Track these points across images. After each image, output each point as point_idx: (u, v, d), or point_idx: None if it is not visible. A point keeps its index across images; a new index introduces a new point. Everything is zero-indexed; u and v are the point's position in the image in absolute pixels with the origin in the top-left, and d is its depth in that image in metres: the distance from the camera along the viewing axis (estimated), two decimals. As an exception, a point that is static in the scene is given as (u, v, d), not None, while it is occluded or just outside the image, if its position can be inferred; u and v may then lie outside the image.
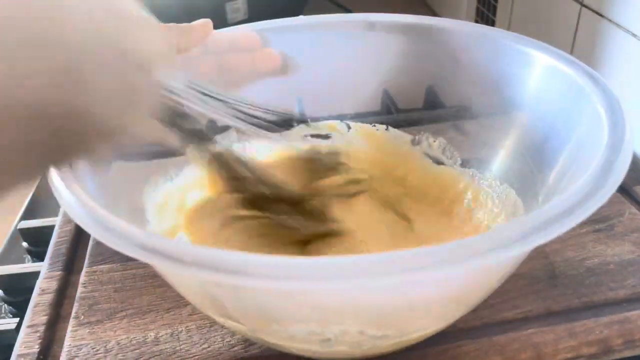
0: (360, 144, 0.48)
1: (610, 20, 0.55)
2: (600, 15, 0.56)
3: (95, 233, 0.25)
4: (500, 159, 0.41)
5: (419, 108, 0.49)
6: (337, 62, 0.46)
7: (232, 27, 0.44)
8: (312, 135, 0.48)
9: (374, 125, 0.47)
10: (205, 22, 0.40)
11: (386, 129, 0.47)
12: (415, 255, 0.22)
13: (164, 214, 0.38)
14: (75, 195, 0.27)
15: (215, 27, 0.42)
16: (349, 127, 0.48)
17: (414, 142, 0.46)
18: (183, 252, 0.23)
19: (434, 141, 0.46)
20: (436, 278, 0.23)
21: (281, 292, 0.26)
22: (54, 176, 0.28)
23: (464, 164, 0.44)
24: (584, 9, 0.59)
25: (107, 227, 0.25)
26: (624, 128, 0.29)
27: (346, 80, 0.46)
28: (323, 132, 0.48)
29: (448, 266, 0.22)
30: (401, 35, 0.44)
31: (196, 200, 0.41)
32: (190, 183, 0.42)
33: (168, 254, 0.23)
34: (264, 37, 0.43)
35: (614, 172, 0.26)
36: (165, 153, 0.40)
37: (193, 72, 0.42)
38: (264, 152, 0.47)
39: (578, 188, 0.25)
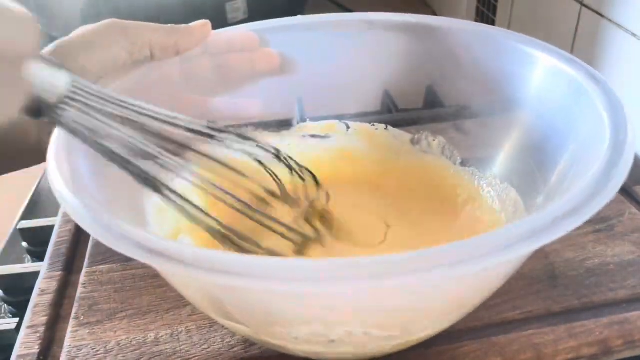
0: (359, 143, 0.48)
1: (610, 20, 0.55)
2: (600, 15, 0.56)
3: (100, 236, 0.24)
4: (501, 159, 0.41)
5: (419, 108, 0.49)
6: (337, 62, 0.46)
7: (231, 27, 0.44)
8: (312, 135, 0.48)
9: (373, 125, 0.47)
10: (204, 23, 0.40)
11: (385, 129, 0.47)
12: (421, 257, 0.22)
13: (164, 215, 0.38)
14: (78, 198, 0.26)
15: (215, 26, 0.42)
16: (348, 127, 0.48)
17: (414, 142, 0.46)
18: (186, 254, 0.23)
19: (434, 140, 0.46)
20: (441, 279, 0.23)
21: (286, 294, 0.26)
22: (55, 177, 0.28)
23: (464, 163, 0.44)
24: (584, 9, 0.59)
25: (110, 229, 0.25)
26: (626, 129, 0.29)
27: (346, 81, 0.46)
28: (322, 133, 0.48)
29: (454, 267, 0.22)
30: (401, 35, 0.44)
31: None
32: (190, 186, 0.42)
33: (171, 256, 0.23)
34: (263, 36, 0.43)
35: (617, 173, 0.26)
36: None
37: (192, 73, 0.42)
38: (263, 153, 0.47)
39: (581, 189, 0.25)
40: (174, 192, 0.32)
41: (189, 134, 0.33)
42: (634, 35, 0.52)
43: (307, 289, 0.23)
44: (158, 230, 0.37)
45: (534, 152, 0.38)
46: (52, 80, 0.29)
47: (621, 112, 0.30)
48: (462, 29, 0.42)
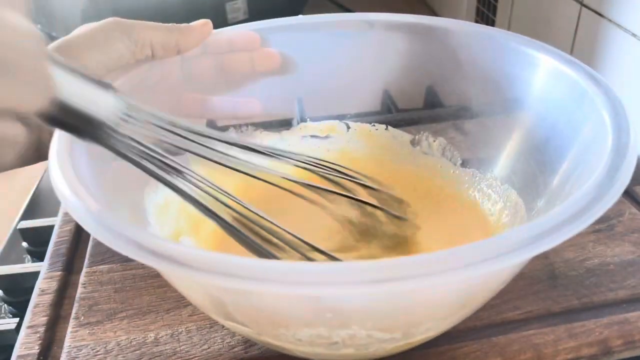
0: (359, 144, 0.48)
1: (610, 20, 0.55)
2: (600, 15, 0.56)
3: (103, 238, 0.24)
4: (501, 160, 0.41)
5: (419, 108, 0.49)
6: (337, 62, 0.46)
7: (232, 27, 0.44)
8: (312, 136, 0.48)
9: (374, 125, 0.47)
10: (205, 23, 0.40)
11: (386, 129, 0.47)
12: (426, 261, 0.22)
13: (165, 216, 0.38)
14: (79, 199, 0.26)
15: (215, 26, 0.42)
16: (348, 127, 0.48)
17: (414, 143, 0.46)
18: (191, 256, 0.23)
19: (434, 141, 0.46)
20: (445, 282, 0.23)
21: (290, 297, 0.25)
22: (57, 177, 0.28)
23: (465, 164, 0.44)
24: (584, 9, 0.59)
25: (114, 231, 0.24)
26: (628, 132, 0.29)
27: (346, 81, 0.46)
28: (323, 133, 0.48)
29: (458, 271, 0.22)
30: (401, 35, 0.44)
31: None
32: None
33: (176, 259, 0.23)
34: (263, 36, 0.43)
35: (620, 177, 0.26)
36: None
37: (193, 72, 0.42)
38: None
39: (584, 193, 0.25)
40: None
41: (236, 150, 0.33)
42: (634, 35, 0.52)
43: (311, 292, 0.23)
44: (159, 231, 0.37)
45: (535, 154, 0.38)
46: (99, 101, 0.27)
47: (623, 114, 0.30)
48: (462, 30, 0.42)
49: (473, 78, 0.42)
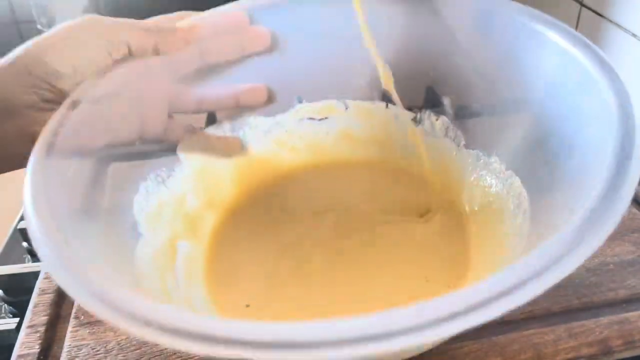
0: (359, 123, 0.46)
1: (610, 20, 0.55)
2: (600, 15, 0.56)
3: (106, 316, 0.22)
4: (505, 148, 0.40)
5: (419, 107, 0.49)
6: (333, 40, 0.42)
7: (217, 8, 0.40)
8: (309, 118, 0.46)
9: (373, 102, 0.45)
10: (193, 27, 0.38)
11: (386, 107, 0.45)
12: (429, 308, 0.21)
13: (158, 222, 0.37)
14: (60, 255, 0.25)
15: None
16: (347, 107, 0.46)
17: (416, 121, 0.44)
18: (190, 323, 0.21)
19: (437, 119, 0.44)
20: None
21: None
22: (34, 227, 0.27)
23: (468, 145, 0.42)
24: (584, 9, 0.59)
25: (100, 297, 0.22)
26: (634, 128, 0.27)
27: (345, 57, 0.43)
28: (320, 115, 0.46)
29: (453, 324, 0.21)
30: (396, 7, 0.41)
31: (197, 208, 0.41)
32: (186, 187, 0.41)
33: (182, 331, 0.21)
34: (252, 15, 0.40)
35: (625, 186, 0.25)
36: (155, 153, 0.40)
37: (175, 61, 0.39)
38: (260, 138, 0.46)
39: (587, 210, 0.25)
40: None
41: None
42: (634, 35, 0.52)
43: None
44: (152, 240, 0.36)
45: (541, 146, 0.36)
46: None
47: (630, 108, 0.29)
48: (468, 5, 0.39)
49: (475, 68, 0.40)
